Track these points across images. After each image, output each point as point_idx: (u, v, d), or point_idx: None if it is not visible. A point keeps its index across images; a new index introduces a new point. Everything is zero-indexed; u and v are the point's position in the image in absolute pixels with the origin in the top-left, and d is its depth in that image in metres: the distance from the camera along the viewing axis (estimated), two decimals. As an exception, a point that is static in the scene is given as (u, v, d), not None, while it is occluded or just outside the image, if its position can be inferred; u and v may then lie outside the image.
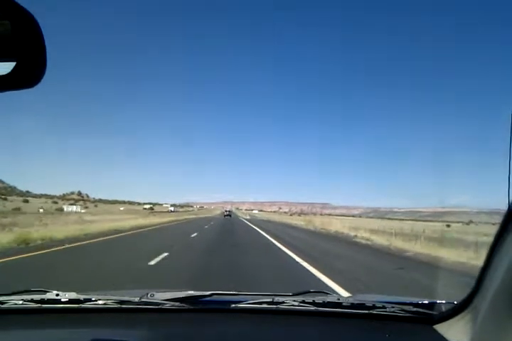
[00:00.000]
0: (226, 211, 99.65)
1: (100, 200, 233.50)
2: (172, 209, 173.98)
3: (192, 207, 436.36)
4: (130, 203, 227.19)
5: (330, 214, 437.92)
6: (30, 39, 0.86)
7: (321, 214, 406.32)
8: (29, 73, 0.88)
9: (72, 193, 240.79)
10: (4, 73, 0.87)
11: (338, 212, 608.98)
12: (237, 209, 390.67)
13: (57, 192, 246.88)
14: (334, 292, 1.47)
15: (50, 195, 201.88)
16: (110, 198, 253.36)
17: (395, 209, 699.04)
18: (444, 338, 1.35)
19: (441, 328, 1.42)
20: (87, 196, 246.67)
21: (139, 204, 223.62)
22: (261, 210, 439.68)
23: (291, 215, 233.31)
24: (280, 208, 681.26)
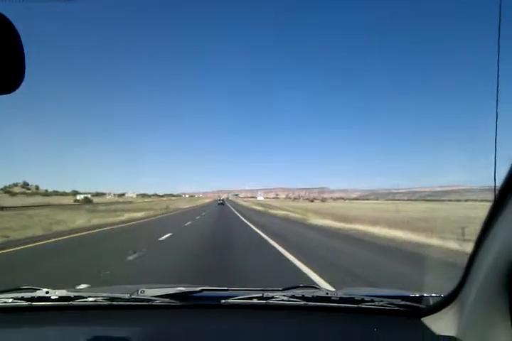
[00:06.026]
0: (220, 200, 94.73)
1: (56, 192, 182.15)
2: None
3: (181, 196, 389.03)
4: (74, 194, 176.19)
5: (342, 198, 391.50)
6: (6, 45, 0.80)
7: (334, 199, 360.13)
8: (6, 79, 0.81)
9: (16, 185, 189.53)
10: None
11: (336, 195, 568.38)
12: (236, 195, 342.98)
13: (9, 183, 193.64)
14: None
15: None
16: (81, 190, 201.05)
17: (394, 191, 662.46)
18: (431, 331, 1.35)
19: (428, 321, 1.42)
20: (37, 188, 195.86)
21: (78, 194, 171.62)
22: (266, 197, 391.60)
23: (311, 201, 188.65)
24: (277, 195, 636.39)
